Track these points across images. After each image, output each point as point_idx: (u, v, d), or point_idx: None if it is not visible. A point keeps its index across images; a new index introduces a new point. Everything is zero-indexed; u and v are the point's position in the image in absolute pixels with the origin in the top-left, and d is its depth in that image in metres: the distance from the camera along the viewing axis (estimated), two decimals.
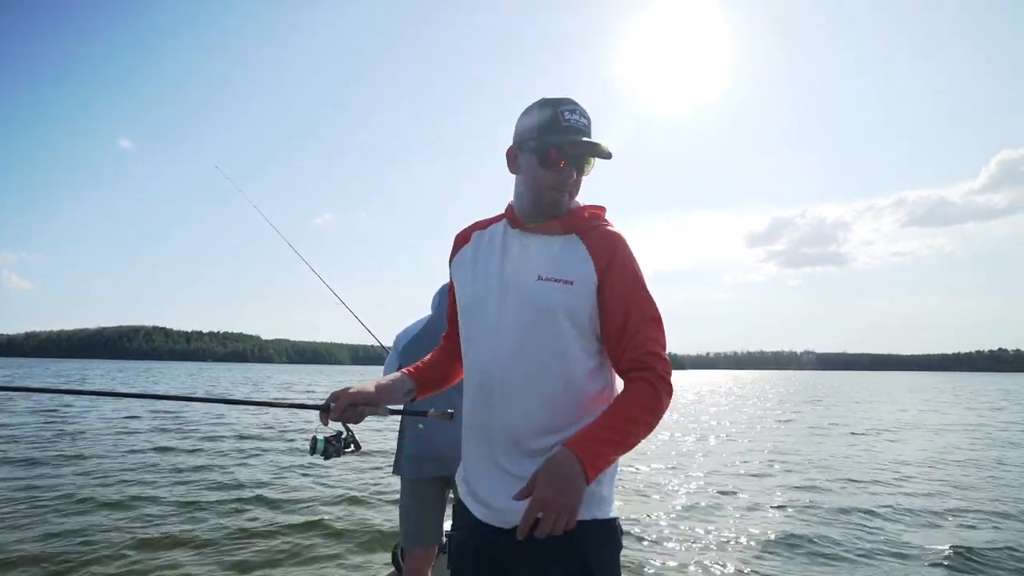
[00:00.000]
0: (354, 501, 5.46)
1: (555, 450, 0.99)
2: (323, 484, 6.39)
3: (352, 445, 1.33)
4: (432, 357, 1.39)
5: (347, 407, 1.18)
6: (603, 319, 1.10)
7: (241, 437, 9.75)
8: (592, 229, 1.14)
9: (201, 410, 13.79)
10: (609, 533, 1.10)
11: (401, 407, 1.38)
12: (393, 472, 2.19)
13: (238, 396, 1.64)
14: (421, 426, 2.09)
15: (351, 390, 1.19)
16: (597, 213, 1.19)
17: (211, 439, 9.41)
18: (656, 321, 1.11)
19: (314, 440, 1.30)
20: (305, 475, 6.75)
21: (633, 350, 1.08)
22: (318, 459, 1.32)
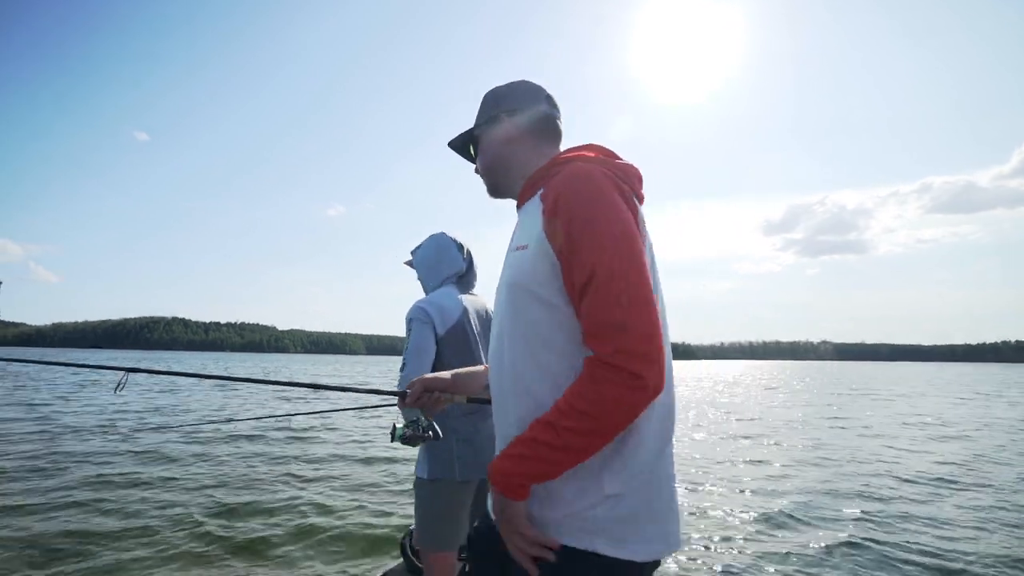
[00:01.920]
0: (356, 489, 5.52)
1: None
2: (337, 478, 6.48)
3: (430, 432, 1.34)
4: None
5: (423, 393, 1.18)
6: (564, 282, 0.87)
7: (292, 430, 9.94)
8: (552, 176, 0.94)
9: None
10: (581, 566, 0.85)
11: (484, 398, 1.30)
12: (428, 476, 1.95)
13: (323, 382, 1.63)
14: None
15: (427, 376, 1.18)
16: (565, 156, 0.99)
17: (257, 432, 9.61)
18: (612, 276, 0.81)
19: (393, 428, 1.33)
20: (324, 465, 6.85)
21: (584, 321, 0.84)
22: (396, 445, 1.37)
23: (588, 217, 0.85)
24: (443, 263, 2.02)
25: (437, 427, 1.34)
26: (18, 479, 5.34)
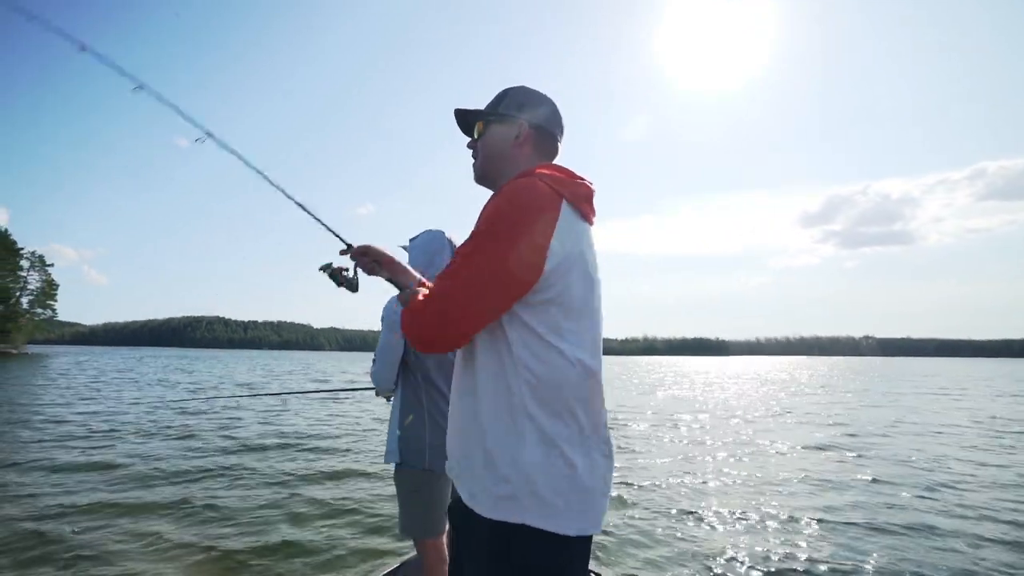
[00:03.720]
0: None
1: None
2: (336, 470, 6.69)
3: (355, 282, 1.41)
4: None
5: (365, 252, 1.31)
6: None
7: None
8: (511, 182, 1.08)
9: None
10: (500, 540, 0.99)
11: (391, 282, 1.34)
12: (398, 461, 2.04)
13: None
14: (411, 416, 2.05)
15: (375, 246, 1.32)
16: (531, 169, 1.11)
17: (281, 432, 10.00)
18: (443, 276, 1.02)
19: (330, 264, 1.42)
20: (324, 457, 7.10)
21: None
22: (323, 276, 1.43)
23: (488, 230, 1.01)
24: (434, 265, 2.05)
25: (359, 282, 1.42)
26: None
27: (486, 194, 1.18)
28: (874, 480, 5.93)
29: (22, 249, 55.03)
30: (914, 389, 21.59)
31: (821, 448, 7.96)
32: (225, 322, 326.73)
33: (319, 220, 1.47)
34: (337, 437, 8.45)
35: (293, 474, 5.98)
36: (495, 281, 0.98)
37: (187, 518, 4.39)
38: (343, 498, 5.02)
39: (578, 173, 1.13)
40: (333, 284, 1.42)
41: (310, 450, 7.40)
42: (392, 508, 4.63)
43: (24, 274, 56.06)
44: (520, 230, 0.98)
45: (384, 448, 2.14)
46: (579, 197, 1.08)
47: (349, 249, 1.34)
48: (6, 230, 54.35)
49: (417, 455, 2.00)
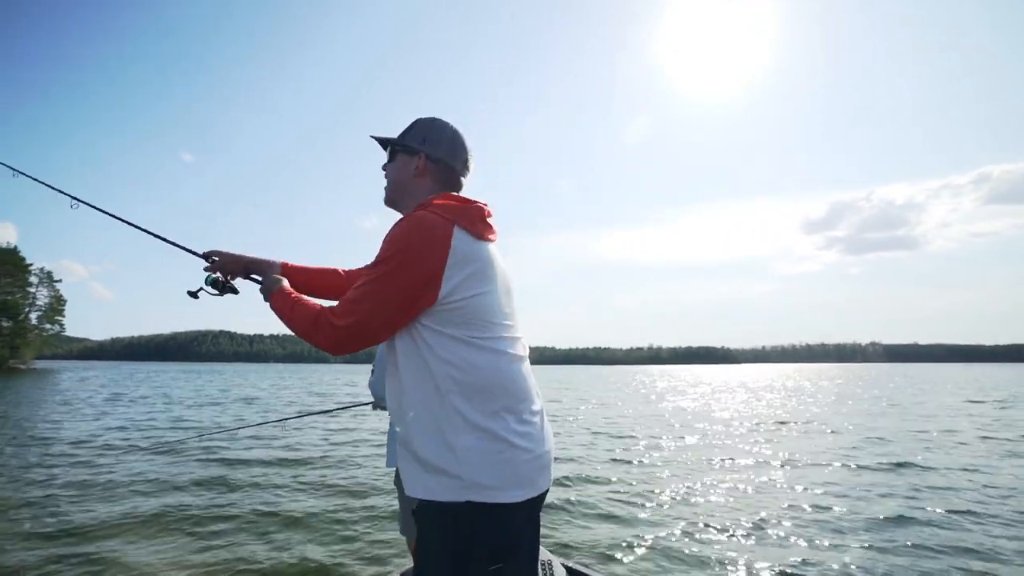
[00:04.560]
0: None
1: None
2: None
3: (233, 290, 1.61)
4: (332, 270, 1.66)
5: (217, 254, 1.57)
6: None
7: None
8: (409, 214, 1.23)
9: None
10: (448, 518, 1.13)
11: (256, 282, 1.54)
12: (394, 464, 2.13)
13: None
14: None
15: (221, 250, 1.57)
16: (428, 201, 1.24)
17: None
18: (355, 289, 1.18)
19: (208, 278, 1.58)
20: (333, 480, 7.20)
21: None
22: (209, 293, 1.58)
23: (385, 258, 1.15)
24: None
25: (235, 285, 1.61)
26: None
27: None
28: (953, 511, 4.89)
29: (31, 265, 55.72)
30: (949, 396, 20.40)
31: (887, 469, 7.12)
32: (231, 336, 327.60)
33: (163, 238, 1.65)
34: (333, 448, 8.55)
35: (287, 486, 6.03)
36: (395, 303, 1.14)
37: (186, 532, 4.50)
38: (339, 508, 5.05)
39: (471, 198, 1.28)
40: (218, 295, 1.59)
41: (302, 463, 7.51)
42: (389, 518, 4.71)
43: (33, 290, 56.68)
44: (415, 259, 1.13)
45: (384, 452, 2.22)
46: (473, 220, 1.22)
47: (207, 257, 1.57)
48: (15, 247, 55.15)
49: None
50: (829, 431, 10.66)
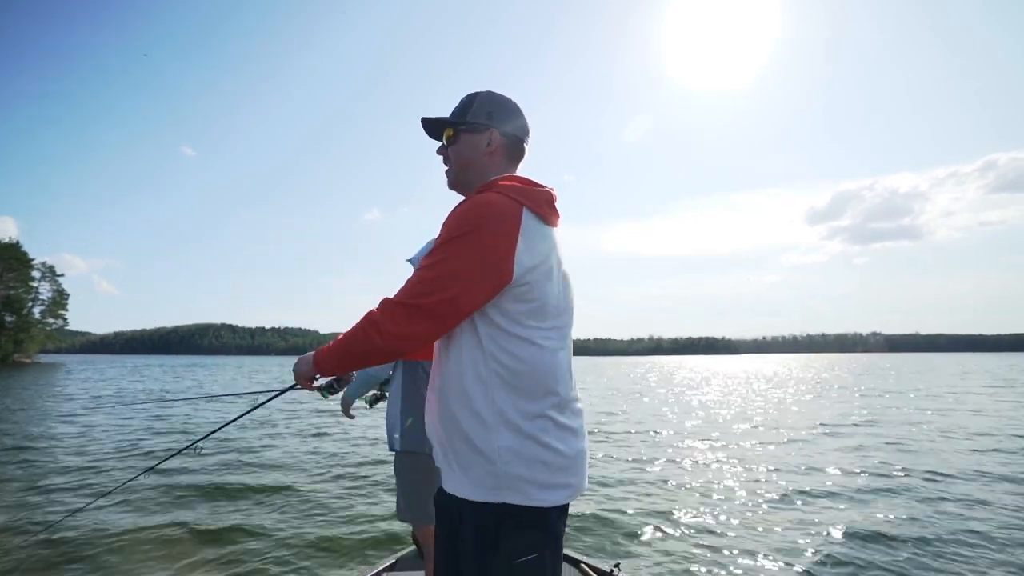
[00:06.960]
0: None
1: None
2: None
3: (332, 389, 1.82)
4: None
5: (306, 375, 1.37)
6: None
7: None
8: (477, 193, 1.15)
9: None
10: (487, 518, 1.09)
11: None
12: (401, 448, 2.10)
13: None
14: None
15: (297, 368, 1.39)
16: (496, 180, 1.18)
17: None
18: (416, 274, 1.09)
19: (322, 388, 1.77)
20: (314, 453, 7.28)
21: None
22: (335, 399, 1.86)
23: (456, 236, 1.06)
24: None
25: (336, 385, 1.85)
26: None
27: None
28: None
29: (33, 260, 55.82)
30: (949, 387, 20.03)
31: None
32: (232, 329, 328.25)
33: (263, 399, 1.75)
34: (325, 428, 8.61)
35: (275, 474, 6.05)
36: (479, 277, 1.04)
37: (174, 518, 4.56)
38: (335, 496, 5.07)
39: (538, 181, 1.21)
40: (332, 393, 1.85)
41: (301, 449, 7.59)
42: (382, 502, 4.76)
43: (35, 284, 56.83)
44: (486, 240, 1.05)
45: (384, 437, 2.23)
46: (540, 203, 1.14)
47: (311, 382, 1.35)
48: (17, 242, 55.18)
49: (420, 441, 2.04)
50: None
